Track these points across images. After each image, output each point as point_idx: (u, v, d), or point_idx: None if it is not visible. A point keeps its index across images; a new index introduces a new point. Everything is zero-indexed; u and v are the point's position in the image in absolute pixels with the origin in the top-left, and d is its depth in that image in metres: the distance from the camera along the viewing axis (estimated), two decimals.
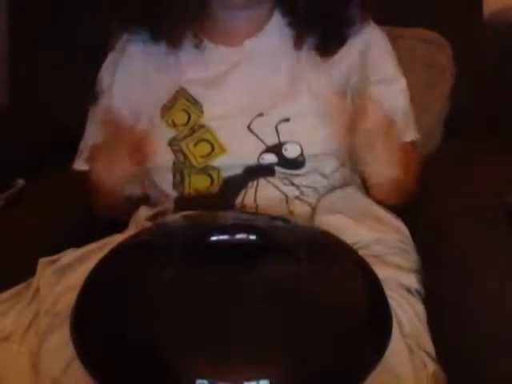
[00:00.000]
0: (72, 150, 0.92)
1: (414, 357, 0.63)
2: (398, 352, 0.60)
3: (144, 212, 0.82)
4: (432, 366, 0.64)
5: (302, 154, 0.80)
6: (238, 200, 0.80)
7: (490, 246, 0.71)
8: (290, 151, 0.80)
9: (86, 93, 0.92)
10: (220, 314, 0.59)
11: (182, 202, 0.82)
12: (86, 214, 0.90)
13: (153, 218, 0.81)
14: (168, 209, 0.82)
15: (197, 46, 0.86)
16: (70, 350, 0.55)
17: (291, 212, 0.79)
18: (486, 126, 1.05)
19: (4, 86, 1.19)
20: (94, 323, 0.57)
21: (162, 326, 0.58)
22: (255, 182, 0.81)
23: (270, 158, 0.80)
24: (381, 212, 0.81)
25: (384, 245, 0.76)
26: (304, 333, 0.57)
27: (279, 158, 0.80)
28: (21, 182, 0.97)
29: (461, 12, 1.10)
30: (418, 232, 0.82)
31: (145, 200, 0.91)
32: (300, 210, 0.80)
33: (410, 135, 0.85)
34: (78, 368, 0.54)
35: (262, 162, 0.80)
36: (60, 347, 0.60)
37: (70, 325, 0.57)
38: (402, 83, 0.86)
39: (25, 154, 1.07)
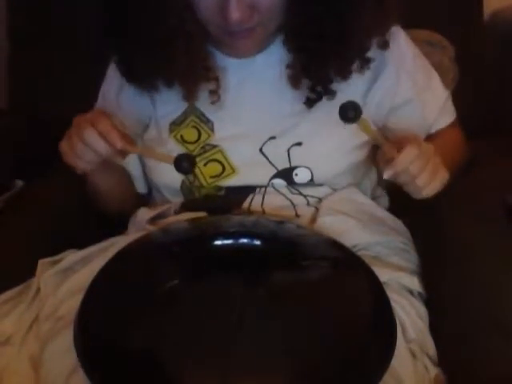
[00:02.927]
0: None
1: (417, 362, 0.63)
2: (401, 357, 0.60)
3: (144, 214, 0.82)
4: (434, 370, 0.64)
5: (312, 180, 0.79)
6: (245, 204, 0.80)
7: (491, 245, 0.71)
8: (300, 177, 0.79)
9: (87, 93, 0.92)
10: (221, 326, 0.59)
11: (188, 204, 0.82)
12: (85, 214, 0.90)
13: (153, 219, 0.81)
14: (168, 210, 0.82)
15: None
16: (73, 357, 0.55)
17: (298, 216, 0.79)
18: (487, 126, 1.05)
19: (4, 86, 1.19)
20: (97, 333, 0.57)
21: (165, 336, 0.58)
22: (263, 189, 0.80)
23: (280, 183, 0.80)
24: (382, 213, 0.82)
25: (385, 246, 0.76)
26: (306, 346, 0.57)
27: (288, 183, 0.80)
28: (19, 183, 0.97)
29: (461, 12, 1.10)
30: (419, 232, 0.82)
31: (144, 200, 0.92)
32: (306, 212, 0.79)
33: (452, 115, 0.87)
34: (81, 377, 0.54)
35: (271, 185, 0.80)
36: (63, 353, 0.59)
37: (73, 334, 0.57)
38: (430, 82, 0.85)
39: (24, 155, 1.06)
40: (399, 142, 0.67)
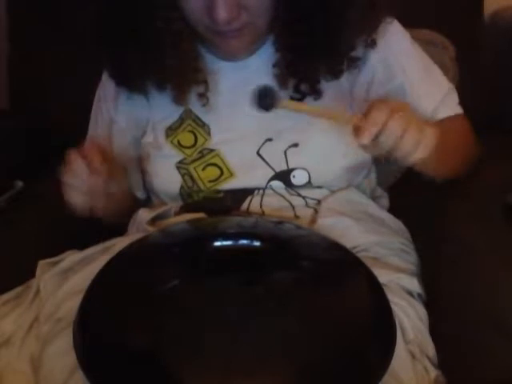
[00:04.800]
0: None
1: (417, 363, 0.63)
2: (400, 359, 0.60)
3: (144, 215, 0.81)
4: (434, 372, 0.64)
5: (309, 181, 0.79)
6: (244, 206, 0.80)
7: (491, 245, 0.71)
8: (298, 179, 0.79)
9: (87, 93, 0.92)
10: (221, 327, 0.59)
11: (187, 206, 0.82)
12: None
13: (153, 220, 0.81)
14: (168, 211, 0.82)
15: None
16: (72, 357, 0.55)
17: (297, 217, 0.79)
18: (486, 125, 1.05)
19: (4, 86, 1.19)
20: (97, 333, 0.57)
21: (165, 337, 0.58)
22: (261, 191, 0.80)
23: (278, 185, 0.80)
24: (382, 214, 0.82)
25: (384, 247, 0.76)
26: (306, 346, 0.57)
27: (287, 185, 0.80)
28: (20, 183, 0.97)
29: (461, 12, 1.10)
30: (419, 232, 0.82)
31: (144, 202, 0.91)
32: (305, 213, 0.79)
33: (454, 109, 0.84)
34: (81, 377, 0.54)
35: (269, 188, 0.80)
36: (63, 354, 0.60)
37: (72, 334, 0.57)
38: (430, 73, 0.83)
39: (24, 155, 1.07)
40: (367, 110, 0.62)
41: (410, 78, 0.80)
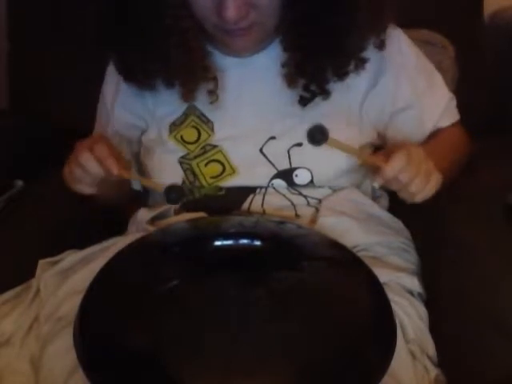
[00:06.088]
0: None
1: (417, 362, 0.63)
2: (400, 359, 0.60)
3: (143, 214, 0.81)
4: (434, 371, 0.64)
5: (312, 181, 0.79)
6: (245, 205, 0.80)
7: (491, 246, 0.71)
8: (301, 178, 0.79)
9: (86, 93, 0.92)
10: (222, 327, 0.59)
11: (188, 205, 0.82)
12: (85, 215, 0.90)
13: (153, 220, 0.81)
14: (168, 210, 0.82)
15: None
16: (73, 357, 0.55)
17: (298, 216, 0.79)
18: (486, 126, 1.05)
19: (4, 86, 1.19)
20: (97, 333, 0.57)
21: (165, 337, 0.58)
22: (263, 189, 0.80)
23: (280, 184, 0.80)
24: (382, 213, 0.82)
25: (385, 246, 0.76)
26: (306, 346, 0.57)
27: (289, 184, 0.80)
28: (20, 183, 0.97)
29: (461, 12, 1.10)
30: (419, 232, 0.82)
31: (144, 198, 0.91)
32: (306, 212, 0.79)
33: (454, 117, 0.88)
34: (81, 377, 0.54)
35: (271, 186, 0.80)
36: (63, 353, 0.60)
37: (73, 334, 0.57)
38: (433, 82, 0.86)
39: (24, 155, 1.06)
40: (387, 151, 0.67)
41: (417, 94, 0.83)
